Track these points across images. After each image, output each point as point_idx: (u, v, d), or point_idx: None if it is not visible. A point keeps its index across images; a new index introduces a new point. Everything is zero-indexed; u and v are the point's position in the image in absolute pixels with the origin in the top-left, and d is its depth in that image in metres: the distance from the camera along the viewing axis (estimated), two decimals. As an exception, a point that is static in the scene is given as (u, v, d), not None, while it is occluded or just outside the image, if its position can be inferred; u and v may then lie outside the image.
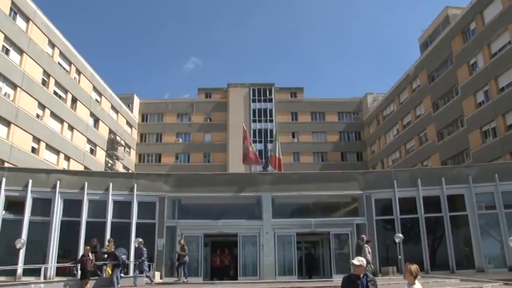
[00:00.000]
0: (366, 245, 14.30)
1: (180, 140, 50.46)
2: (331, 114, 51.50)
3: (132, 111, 48.87)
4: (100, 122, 39.36)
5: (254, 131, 48.91)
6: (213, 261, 18.95)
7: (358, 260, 4.88)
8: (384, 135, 45.03)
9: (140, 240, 15.75)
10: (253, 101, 51.23)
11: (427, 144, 35.65)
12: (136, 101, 50.79)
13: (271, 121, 50.12)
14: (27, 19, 28.04)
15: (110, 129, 41.38)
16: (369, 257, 14.08)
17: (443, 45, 33.19)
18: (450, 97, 32.58)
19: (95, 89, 38.52)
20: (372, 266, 14.80)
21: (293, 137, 50.37)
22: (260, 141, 46.45)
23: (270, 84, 52.04)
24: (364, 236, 15.43)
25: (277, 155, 23.10)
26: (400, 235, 16.94)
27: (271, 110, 50.83)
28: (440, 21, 35.03)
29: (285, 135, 47.79)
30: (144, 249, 15.01)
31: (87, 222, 17.47)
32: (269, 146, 31.64)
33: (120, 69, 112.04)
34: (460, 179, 18.40)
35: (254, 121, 50.13)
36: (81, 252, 15.79)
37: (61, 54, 32.60)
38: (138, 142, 49.90)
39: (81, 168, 33.88)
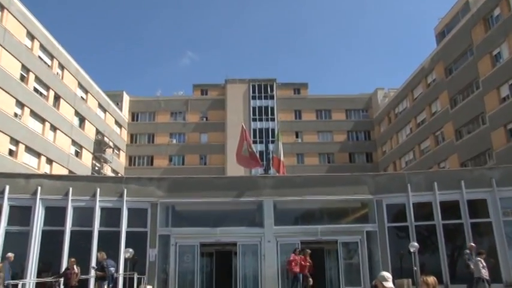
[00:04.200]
0: (479, 258, 13.12)
1: (174, 141, 50.67)
2: (338, 112, 51.70)
3: (121, 110, 48.87)
4: (86, 121, 39.37)
5: (254, 130, 49.17)
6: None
7: (387, 279, 4.28)
8: (396, 135, 45.02)
9: (131, 250, 15.73)
10: (253, 98, 51.55)
11: (444, 144, 35.61)
12: (126, 98, 50.84)
13: (272, 120, 50.33)
14: (1, 7, 27.60)
15: (97, 129, 41.38)
16: (484, 272, 12.84)
17: (463, 34, 33.00)
18: (470, 92, 32.38)
19: (80, 85, 38.49)
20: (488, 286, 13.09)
21: (296, 136, 50.61)
22: (261, 142, 46.96)
23: (271, 80, 52.27)
24: (472, 244, 14.90)
25: (279, 157, 23.16)
26: (416, 244, 16.78)
27: (272, 108, 51.08)
28: (459, 8, 34.75)
29: (287, 135, 48.04)
30: (110, 263, 13.96)
31: (72, 232, 17.38)
32: (270, 146, 31.90)
33: (108, 64, 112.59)
34: (481, 182, 18.17)
35: (254, 120, 50.35)
36: (64, 265, 15.69)
37: (42, 47, 32.39)
38: (128, 143, 50.04)
39: (65, 172, 33.76)
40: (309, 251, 15.81)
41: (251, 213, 19.07)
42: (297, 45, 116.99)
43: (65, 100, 35.35)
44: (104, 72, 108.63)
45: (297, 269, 15.09)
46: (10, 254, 14.35)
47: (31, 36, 30.99)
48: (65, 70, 35.71)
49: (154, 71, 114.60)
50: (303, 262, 15.34)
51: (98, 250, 15.34)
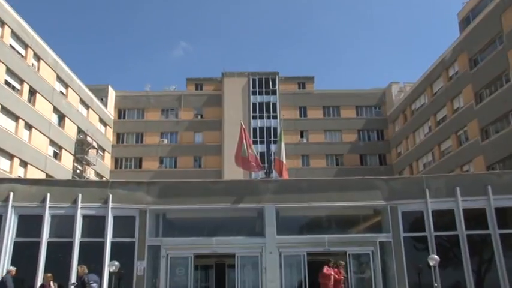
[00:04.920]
0: None
1: (165, 141, 50.70)
2: (347, 109, 51.76)
3: (106, 106, 48.86)
4: (66, 119, 39.28)
5: (254, 129, 49.28)
6: None
7: None
8: (412, 134, 44.91)
9: (116, 263, 15.66)
10: (254, 93, 51.68)
11: (468, 145, 35.53)
12: (112, 93, 50.83)
13: (274, 117, 50.49)
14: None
15: (78, 128, 41.36)
16: None
17: (491, 20, 32.68)
18: (498, 86, 32.02)
19: (59, 78, 38.37)
20: None
21: (301, 136, 50.76)
22: (262, 142, 46.86)
23: (273, 73, 52.37)
24: None
25: (281, 159, 23.36)
26: (436, 257, 16.67)
27: (274, 104, 51.20)
28: (488, -11, 34.53)
29: (291, 134, 48.18)
30: (92, 278, 14.03)
31: (49, 243, 17.33)
32: (272, 147, 32.15)
33: (92, 55, 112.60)
34: (512, 187, 18.27)
35: (254, 117, 50.47)
36: (39, 281, 15.63)
37: (13, 34, 32.21)
38: (114, 143, 50.07)
39: (42, 176, 33.71)
40: (343, 263, 15.86)
41: (251, 221, 19.20)
42: (302, 34, 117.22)
43: (41, 95, 35.21)
44: (86, 64, 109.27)
45: (331, 284, 15.13)
46: (12, 268, 14.62)
47: (0, 22, 30.64)
48: (41, 61, 35.54)
49: (143, 63, 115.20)
50: (336, 276, 15.39)
51: (79, 264, 15.34)
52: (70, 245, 17.26)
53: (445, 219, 18.24)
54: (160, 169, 49.07)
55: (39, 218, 17.45)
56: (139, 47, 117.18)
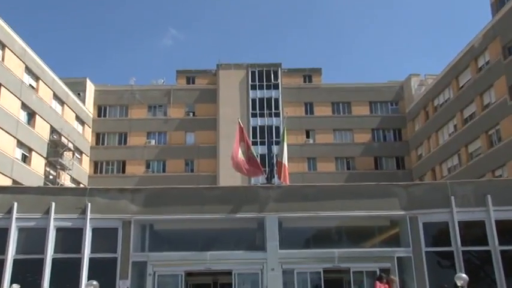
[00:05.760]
0: None
1: (152, 142, 50.74)
2: (360, 105, 51.89)
3: (84, 102, 48.68)
4: (37, 116, 39.08)
5: (254, 128, 49.51)
6: None
7: None
8: (435, 134, 44.90)
9: (95, 283, 15.24)
10: (253, 87, 51.81)
11: (501, 146, 35.39)
12: (90, 87, 50.72)
13: (276, 115, 50.69)
14: None
15: (51, 127, 41.16)
16: None
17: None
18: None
19: (28, 70, 38.24)
20: None
21: (307, 136, 50.92)
22: (262, 143, 46.89)
23: (275, 65, 52.50)
24: None
25: (283, 162, 23.38)
26: (464, 276, 16.06)
27: (277, 100, 51.39)
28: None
29: (296, 134, 48.53)
30: None
31: (16, 261, 17.21)
32: (274, 148, 31.96)
33: (67, 44, 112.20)
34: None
35: (254, 115, 50.61)
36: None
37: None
38: (93, 145, 50.09)
39: (7, 182, 33.63)
40: (394, 278, 15.76)
41: (250, 234, 19.41)
42: (308, 20, 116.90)
43: (6, 88, 35.15)
44: (61, 54, 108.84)
45: None
46: (15, 286, 14.80)
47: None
48: (7, 50, 35.46)
49: (126, 53, 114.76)
50: None
51: (51, 284, 15.40)
52: (41, 262, 17.20)
53: (474, 231, 18.26)
54: (146, 174, 49.08)
55: (4, 232, 17.45)
56: (122, 34, 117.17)
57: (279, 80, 51.85)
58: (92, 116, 50.27)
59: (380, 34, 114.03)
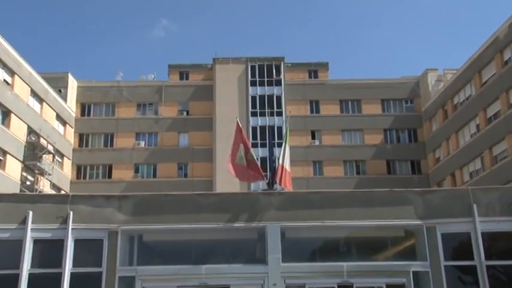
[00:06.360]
0: None
1: (142, 144, 50.78)
2: (371, 103, 52.00)
3: (65, 100, 48.54)
4: (12, 115, 38.97)
5: (254, 128, 49.67)
6: None
7: None
8: (455, 135, 44.71)
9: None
10: (253, 84, 51.89)
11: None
12: (73, 83, 50.59)
13: (279, 114, 50.71)
14: None
15: (29, 127, 40.96)
16: None
17: None
18: None
19: (2, 63, 38.07)
20: None
21: (313, 137, 50.95)
22: (263, 145, 47.49)
23: (277, 59, 52.60)
24: None
25: (285, 165, 23.06)
26: (489, 293, 16.22)
27: (279, 98, 51.43)
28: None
29: (300, 134, 48.59)
30: None
31: None
32: (276, 151, 31.81)
33: (47, 36, 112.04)
34: None
35: (254, 114, 50.64)
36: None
37: None
38: (76, 147, 49.97)
39: (-21, 188, 33.33)
40: None
41: (250, 245, 19.09)
42: (313, 10, 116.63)
43: (-23, 85, 35.52)
44: (39, 47, 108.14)
45: None
46: None
47: None
48: (-24, 41, 35.81)
49: (113, 45, 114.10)
50: None
51: None
52: (16, 278, 16.58)
53: (499, 244, 17.80)
54: (135, 179, 49.14)
55: (-25, 244, 17.96)
56: (108, 25, 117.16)
57: (282, 76, 51.84)
58: (74, 115, 50.12)
59: (393, 25, 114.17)
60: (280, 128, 48.68)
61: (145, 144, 50.55)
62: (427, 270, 17.28)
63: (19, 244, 16.74)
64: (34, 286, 16.51)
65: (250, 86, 51.43)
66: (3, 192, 30.90)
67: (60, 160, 46.31)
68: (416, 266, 17.54)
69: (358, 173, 49.90)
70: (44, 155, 41.69)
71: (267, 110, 50.49)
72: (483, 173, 39.78)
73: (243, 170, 21.88)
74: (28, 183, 40.09)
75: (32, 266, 16.77)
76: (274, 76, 51.61)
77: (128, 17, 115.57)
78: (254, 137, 47.98)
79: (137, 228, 18.08)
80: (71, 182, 47.69)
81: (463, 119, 43.16)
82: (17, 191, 36.81)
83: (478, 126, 41.17)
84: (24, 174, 40.09)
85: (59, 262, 16.78)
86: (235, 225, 18.12)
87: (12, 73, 39.07)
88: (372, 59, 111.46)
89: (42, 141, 41.58)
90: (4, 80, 38.20)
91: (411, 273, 17.33)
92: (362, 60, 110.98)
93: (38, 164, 40.78)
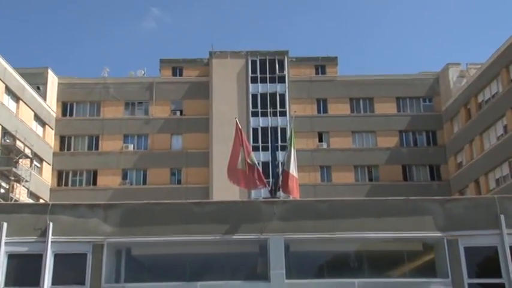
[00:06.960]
0: None
1: (130, 147, 50.80)
2: (385, 102, 52.00)
3: (44, 98, 48.47)
4: None
5: (255, 130, 49.65)
6: None
7: None
8: (479, 137, 44.54)
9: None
10: (254, 80, 51.93)
11: None
12: (53, 80, 50.55)
13: (283, 114, 50.62)
14: None
15: (3, 128, 40.83)
16: None
17: None
18: None
19: None
20: None
21: (320, 140, 51.06)
22: (264, 148, 46.91)
23: (281, 53, 52.71)
24: None
25: (292, 171, 22.95)
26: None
27: (283, 96, 51.45)
28: None
29: (306, 137, 48.78)
30: None
31: None
32: (280, 155, 32.69)
33: (24, 28, 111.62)
34: None
35: (255, 114, 50.66)
36: None
37: None
38: (57, 151, 49.98)
39: None
40: None
41: (250, 259, 18.96)
42: (321, 0, 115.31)
43: None
44: (15, 39, 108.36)
45: None
46: None
47: None
48: None
49: (98, 38, 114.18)
50: None
51: None
52: None
53: None
54: (123, 186, 49.14)
55: None
56: (93, 16, 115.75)
57: (286, 72, 51.77)
58: (54, 114, 50.07)
59: (410, 14, 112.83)
60: (283, 130, 48.78)
61: (134, 148, 50.56)
62: (449, 288, 17.78)
63: (-9, 260, 17.13)
64: (8, 308, 16.73)
65: (251, 82, 51.35)
66: (-28, 201, 32.01)
67: (38, 165, 46.33)
68: (436, 283, 17.28)
69: (370, 179, 50.04)
70: (20, 160, 41.74)
71: (269, 110, 50.15)
72: (511, 179, 39.59)
73: (243, 176, 21.66)
74: (2, 191, 40.31)
75: (6, 284, 16.68)
76: (277, 72, 51.47)
77: (115, 7, 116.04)
78: (255, 140, 47.95)
79: (125, 241, 17.87)
80: (51, 190, 47.58)
81: (489, 120, 42.95)
82: (-11, 199, 36.79)
83: (505, 127, 41.00)
84: (-2, 181, 39.84)
85: (36, 279, 16.59)
86: (234, 237, 17.84)
87: (-17, 68, 39.41)
88: (386, 52, 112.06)
89: (19, 144, 41.58)
90: (-26, 75, 38.60)
91: (431, 291, 17.71)
92: (375, 54, 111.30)
93: (14, 169, 40.72)
